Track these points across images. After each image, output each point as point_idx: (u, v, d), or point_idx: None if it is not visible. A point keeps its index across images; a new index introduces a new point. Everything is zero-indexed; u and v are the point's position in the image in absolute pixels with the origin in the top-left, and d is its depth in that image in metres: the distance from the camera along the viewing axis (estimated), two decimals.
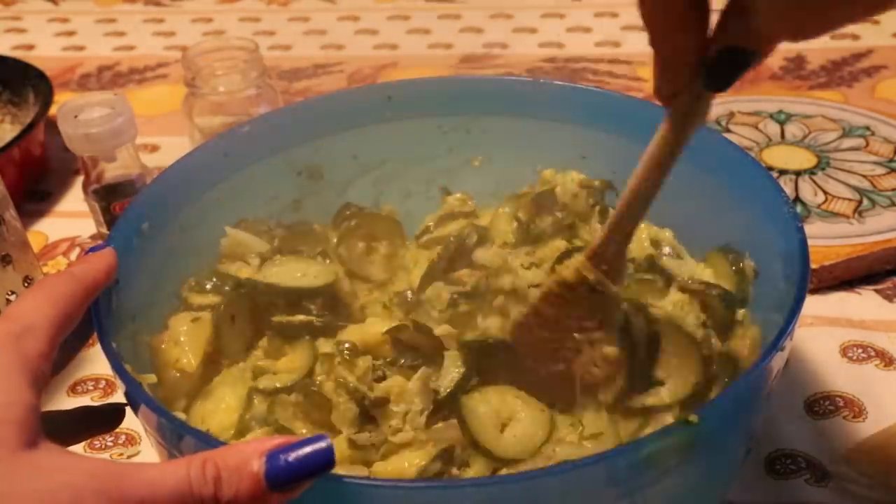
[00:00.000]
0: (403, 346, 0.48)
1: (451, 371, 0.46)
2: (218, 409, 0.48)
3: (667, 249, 0.55)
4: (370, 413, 0.45)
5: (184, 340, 0.49)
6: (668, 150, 0.39)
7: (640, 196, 0.41)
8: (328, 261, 0.56)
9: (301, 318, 0.51)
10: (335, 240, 0.58)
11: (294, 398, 0.47)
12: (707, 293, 0.49)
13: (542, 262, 0.51)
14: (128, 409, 0.43)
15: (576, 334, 0.45)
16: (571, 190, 0.56)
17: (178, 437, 0.38)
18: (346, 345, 0.48)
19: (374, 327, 0.50)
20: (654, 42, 0.35)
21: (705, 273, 0.52)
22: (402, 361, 0.47)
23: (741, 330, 0.48)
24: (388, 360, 0.48)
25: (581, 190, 0.56)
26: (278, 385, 0.48)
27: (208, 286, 0.53)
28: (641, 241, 0.54)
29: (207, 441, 0.36)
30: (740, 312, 0.49)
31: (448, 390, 0.45)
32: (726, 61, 0.34)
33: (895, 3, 0.29)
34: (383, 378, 0.47)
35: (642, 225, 0.55)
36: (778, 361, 0.39)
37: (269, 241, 0.56)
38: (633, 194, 0.41)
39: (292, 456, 0.32)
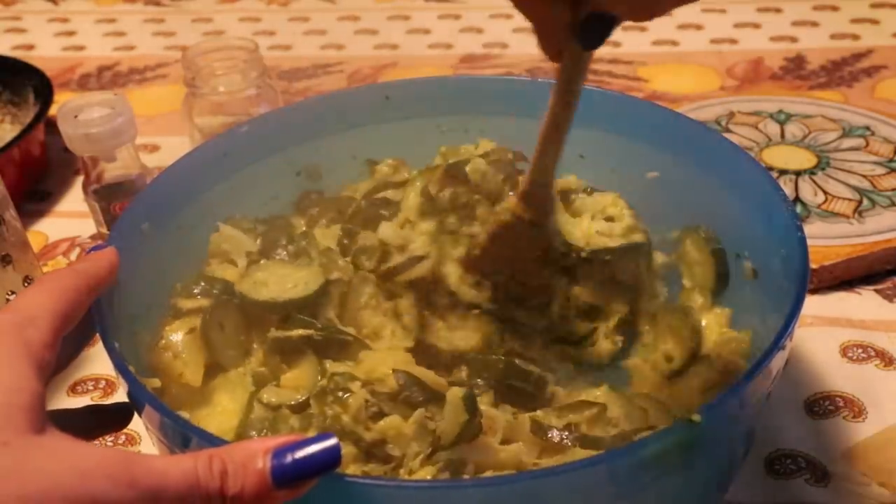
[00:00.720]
0: (409, 380, 0.46)
1: (452, 416, 0.43)
2: (215, 413, 0.48)
3: (580, 193, 0.58)
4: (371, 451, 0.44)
5: (184, 354, 0.48)
6: (565, 97, 0.44)
7: (550, 139, 0.46)
8: (312, 256, 0.54)
9: (300, 332, 0.49)
10: (304, 227, 0.58)
11: (295, 422, 0.46)
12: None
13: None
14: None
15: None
16: (480, 169, 0.55)
17: (181, 436, 0.38)
18: (339, 377, 0.46)
19: (380, 362, 0.48)
20: (525, 15, 0.40)
21: (622, 205, 0.55)
22: (405, 395, 0.45)
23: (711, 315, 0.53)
24: (389, 392, 0.46)
25: (489, 168, 0.55)
26: (282, 402, 0.47)
27: (196, 290, 0.52)
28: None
29: (211, 440, 0.36)
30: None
31: (450, 441, 0.42)
32: (592, 26, 0.39)
33: None
34: (381, 414, 0.44)
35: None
36: (778, 361, 0.39)
37: (254, 239, 0.56)
38: (544, 140, 0.47)
39: (298, 454, 0.32)
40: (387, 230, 0.53)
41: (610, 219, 0.54)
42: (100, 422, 0.44)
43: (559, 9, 0.39)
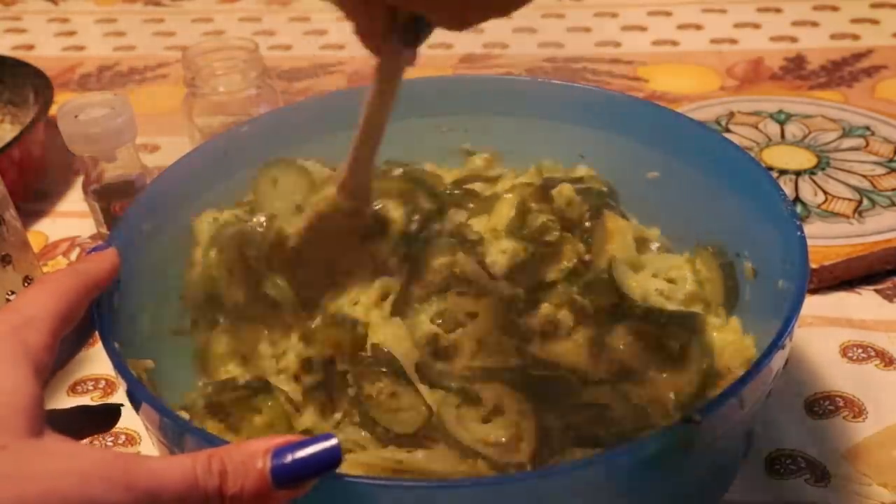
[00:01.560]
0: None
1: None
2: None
3: (655, 245, 0.56)
4: None
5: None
6: (384, 91, 0.45)
7: (367, 131, 0.47)
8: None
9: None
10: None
11: None
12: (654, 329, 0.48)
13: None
14: (126, 409, 0.43)
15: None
16: (566, 195, 0.55)
17: (180, 435, 0.38)
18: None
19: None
20: (348, 18, 0.41)
21: (687, 270, 0.52)
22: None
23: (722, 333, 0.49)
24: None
25: (576, 196, 0.55)
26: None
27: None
28: (624, 239, 0.54)
29: (210, 439, 0.36)
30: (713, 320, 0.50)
31: None
32: (411, 27, 0.41)
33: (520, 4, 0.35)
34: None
35: (626, 223, 0.55)
36: (778, 361, 0.39)
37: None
38: (363, 132, 0.47)
39: (299, 454, 0.32)
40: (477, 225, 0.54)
41: (672, 281, 0.52)
42: (89, 422, 0.44)
43: (376, 15, 0.40)
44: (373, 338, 0.48)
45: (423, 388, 0.47)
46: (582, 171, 0.59)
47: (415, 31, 0.42)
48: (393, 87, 0.45)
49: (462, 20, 0.37)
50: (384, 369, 0.47)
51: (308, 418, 0.48)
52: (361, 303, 0.50)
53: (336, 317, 0.49)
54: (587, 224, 0.54)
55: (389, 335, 0.48)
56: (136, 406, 0.40)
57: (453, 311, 0.49)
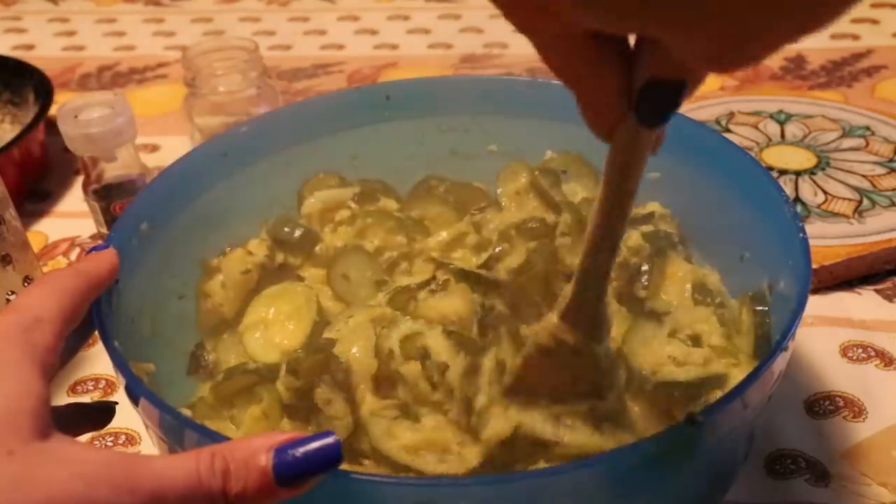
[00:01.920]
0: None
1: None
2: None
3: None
4: None
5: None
6: (619, 188, 0.35)
7: (601, 242, 0.37)
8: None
9: None
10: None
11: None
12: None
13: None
14: (126, 409, 0.43)
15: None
16: (635, 245, 0.54)
17: (180, 433, 0.38)
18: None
19: None
20: (565, 82, 0.32)
21: (714, 322, 0.49)
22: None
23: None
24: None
25: (645, 244, 0.54)
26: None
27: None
28: (683, 285, 0.53)
29: (211, 436, 0.36)
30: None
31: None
32: (653, 96, 0.30)
33: (817, 28, 0.25)
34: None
35: (688, 267, 0.54)
36: (780, 362, 0.39)
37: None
38: (593, 242, 0.37)
39: (300, 451, 0.32)
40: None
41: (696, 337, 0.48)
42: (83, 419, 0.44)
43: (609, 74, 0.31)
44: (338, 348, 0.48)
45: (372, 400, 0.46)
46: (653, 206, 0.57)
47: (661, 101, 0.30)
48: (633, 182, 0.35)
49: (744, 55, 0.27)
50: (325, 375, 0.46)
51: (286, 424, 0.48)
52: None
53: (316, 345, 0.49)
54: (644, 268, 0.52)
55: (358, 345, 0.48)
56: (136, 403, 0.40)
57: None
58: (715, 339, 0.47)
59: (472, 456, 0.42)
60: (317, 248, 0.58)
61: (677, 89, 0.30)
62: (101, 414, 0.44)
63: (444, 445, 0.43)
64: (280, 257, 0.58)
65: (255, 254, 0.56)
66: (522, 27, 0.30)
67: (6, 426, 0.31)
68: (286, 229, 0.58)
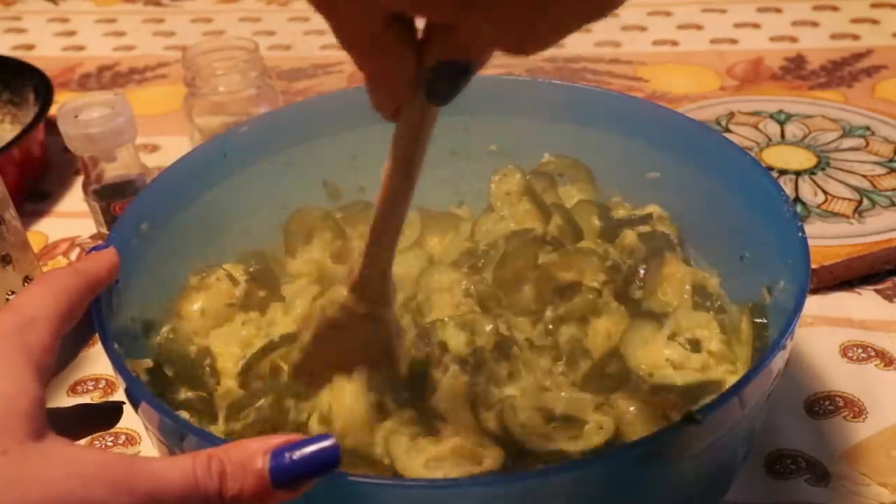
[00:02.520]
0: None
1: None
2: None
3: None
4: None
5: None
6: (405, 164, 0.37)
7: (387, 217, 0.39)
8: None
9: None
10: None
11: None
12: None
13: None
14: (126, 409, 0.43)
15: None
16: (630, 245, 0.54)
17: (179, 435, 0.38)
18: None
19: None
20: (358, 64, 0.33)
21: (714, 328, 0.49)
22: None
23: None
24: None
25: (641, 245, 0.54)
26: None
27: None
28: (681, 287, 0.52)
29: (209, 438, 0.36)
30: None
31: None
32: (443, 75, 0.32)
33: (605, 12, 0.29)
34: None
35: (686, 269, 0.54)
36: (779, 361, 0.39)
37: None
38: (380, 218, 0.39)
39: (297, 454, 0.32)
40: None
41: (696, 342, 0.48)
42: (90, 420, 0.44)
43: (396, 60, 0.33)
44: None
45: None
46: (652, 208, 0.57)
47: (452, 80, 0.32)
48: (419, 157, 0.37)
49: (523, 46, 0.29)
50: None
51: None
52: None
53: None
54: (642, 270, 0.53)
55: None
56: (136, 405, 0.40)
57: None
58: (714, 345, 0.47)
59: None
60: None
61: (466, 70, 0.32)
62: (108, 414, 0.44)
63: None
64: (262, 293, 0.55)
65: (239, 282, 0.54)
66: (323, 8, 0.31)
67: (0, 427, 0.31)
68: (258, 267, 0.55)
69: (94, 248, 0.44)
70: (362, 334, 0.43)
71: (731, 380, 0.45)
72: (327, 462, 0.32)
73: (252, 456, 0.32)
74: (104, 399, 0.60)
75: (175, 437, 0.38)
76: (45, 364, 0.34)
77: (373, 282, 0.42)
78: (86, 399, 0.60)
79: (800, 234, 0.44)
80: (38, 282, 0.38)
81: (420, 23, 0.32)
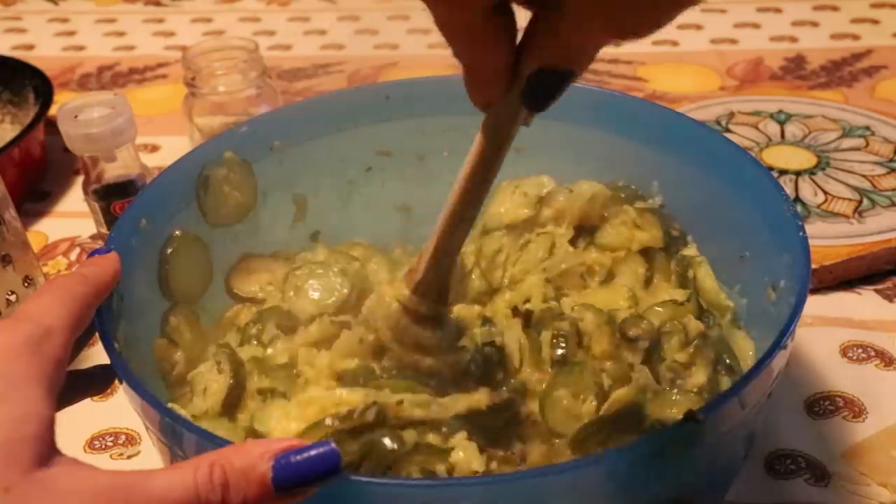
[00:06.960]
0: None
1: None
2: None
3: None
4: None
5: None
6: (484, 165, 0.37)
7: (460, 216, 0.38)
8: None
9: None
10: None
11: None
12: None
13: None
14: (126, 409, 0.42)
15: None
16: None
17: (180, 436, 0.38)
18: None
19: None
20: (455, 54, 0.32)
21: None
22: None
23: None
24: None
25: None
26: None
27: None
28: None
29: (211, 439, 0.36)
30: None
31: None
32: (542, 84, 0.32)
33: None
34: None
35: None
36: (779, 361, 0.39)
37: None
38: (452, 215, 0.38)
39: (300, 459, 0.32)
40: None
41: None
42: (82, 387, 0.44)
43: (495, 54, 0.32)
44: None
45: None
46: (647, 210, 0.57)
47: (549, 88, 0.32)
48: (501, 155, 0.36)
49: (644, 16, 0.28)
50: None
51: None
52: None
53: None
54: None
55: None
56: (135, 405, 0.40)
57: None
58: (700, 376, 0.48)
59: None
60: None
61: (566, 77, 0.31)
62: (99, 381, 0.44)
63: None
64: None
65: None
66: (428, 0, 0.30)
67: (4, 458, 0.30)
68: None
69: (96, 252, 0.44)
70: (426, 335, 0.43)
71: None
72: (329, 467, 0.32)
73: (255, 462, 0.32)
74: (104, 399, 0.60)
75: (175, 437, 0.38)
76: (58, 379, 0.34)
77: (435, 285, 0.41)
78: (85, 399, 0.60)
79: (800, 233, 0.44)
80: (48, 289, 0.37)
81: (521, 21, 0.32)
